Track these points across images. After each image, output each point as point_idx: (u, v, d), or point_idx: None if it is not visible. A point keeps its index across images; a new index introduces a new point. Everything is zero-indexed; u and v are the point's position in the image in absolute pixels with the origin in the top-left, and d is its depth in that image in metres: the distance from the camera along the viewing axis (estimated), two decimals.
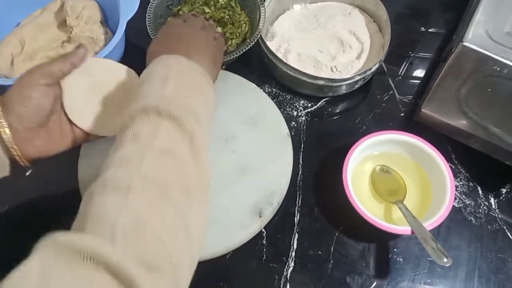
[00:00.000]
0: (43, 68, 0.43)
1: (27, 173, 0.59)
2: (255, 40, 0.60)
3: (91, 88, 0.49)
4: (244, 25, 0.65)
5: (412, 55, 0.71)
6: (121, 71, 0.51)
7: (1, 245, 0.54)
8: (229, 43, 0.64)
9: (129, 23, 0.60)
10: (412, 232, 0.49)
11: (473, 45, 0.48)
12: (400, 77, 0.69)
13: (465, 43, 0.48)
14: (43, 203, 0.58)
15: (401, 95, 0.67)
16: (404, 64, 0.70)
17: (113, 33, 0.64)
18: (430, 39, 0.73)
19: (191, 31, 0.48)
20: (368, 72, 0.60)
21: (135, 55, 0.71)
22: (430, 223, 0.49)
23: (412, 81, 0.69)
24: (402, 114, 0.65)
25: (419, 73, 0.70)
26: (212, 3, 0.67)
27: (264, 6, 0.63)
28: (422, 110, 0.56)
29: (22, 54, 0.62)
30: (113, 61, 0.52)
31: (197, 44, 0.46)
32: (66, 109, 0.47)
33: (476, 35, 0.48)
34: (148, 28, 0.61)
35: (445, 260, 0.45)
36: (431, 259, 0.53)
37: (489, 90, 0.50)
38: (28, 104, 0.41)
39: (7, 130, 0.40)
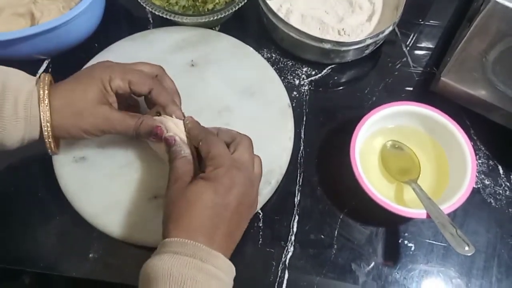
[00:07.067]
0: (112, 115, 0.42)
1: None
2: None
3: None
4: None
5: (422, 22, 0.65)
6: None
7: None
8: (216, 0, 0.56)
9: None
10: (428, 216, 0.43)
11: (507, 1, 0.41)
12: (411, 43, 0.62)
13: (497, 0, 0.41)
14: None
15: (415, 63, 0.60)
16: (415, 30, 0.64)
17: None
18: (443, 5, 0.66)
19: (249, 202, 0.39)
20: (380, 36, 0.53)
21: (117, 14, 0.64)
22: (448, 206, 0.44)
23: (424, 49, 0.62)
24: (416, 85, 0.58)
25: (432, 40, 0.63)
26: None
27: None
28: (442, 78, 0.49)
29: None
30: None
31: (242, 225, 0.40)
32: None
33: None
34: None
35: (466, 248, 0.40)
36: (445, 244, 0.48)
37: None
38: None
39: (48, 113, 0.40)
